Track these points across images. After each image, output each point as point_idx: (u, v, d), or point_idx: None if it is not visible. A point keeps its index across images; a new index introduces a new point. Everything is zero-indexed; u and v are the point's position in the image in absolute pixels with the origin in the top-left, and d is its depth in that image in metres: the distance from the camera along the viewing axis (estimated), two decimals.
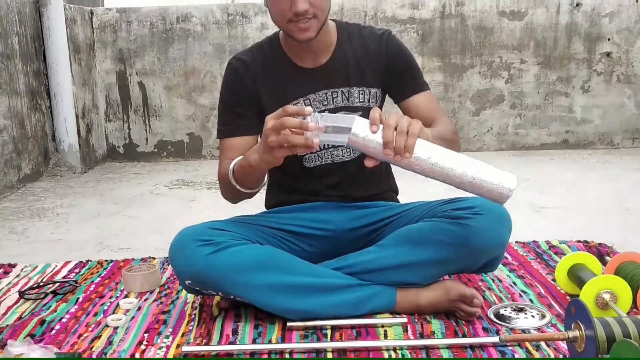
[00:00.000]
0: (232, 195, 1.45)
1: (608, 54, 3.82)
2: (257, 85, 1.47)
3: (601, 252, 1.78)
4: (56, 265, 1.87)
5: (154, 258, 1.91)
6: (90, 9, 3.87)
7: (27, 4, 3.27)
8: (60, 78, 3.41)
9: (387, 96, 1.56)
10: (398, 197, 1.65)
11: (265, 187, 1.48)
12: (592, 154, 3.75)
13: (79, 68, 3.66)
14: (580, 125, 3.92)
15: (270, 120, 1.21)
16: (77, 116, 3.56)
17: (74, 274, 1.79)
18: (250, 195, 1.44)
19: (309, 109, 1.18)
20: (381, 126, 1.18)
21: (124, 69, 3.89)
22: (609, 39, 3.80)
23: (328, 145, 1.48)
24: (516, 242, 1.92)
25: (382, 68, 1.49)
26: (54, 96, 3.43)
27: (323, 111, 1.47)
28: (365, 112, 1.49)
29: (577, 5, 3.78)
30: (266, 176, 1.40)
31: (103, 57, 3.88)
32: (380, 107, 1.55)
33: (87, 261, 1.90)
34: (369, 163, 1.20)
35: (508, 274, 1.66)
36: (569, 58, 3.84)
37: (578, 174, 3.19)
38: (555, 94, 3.89)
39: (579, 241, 1.91)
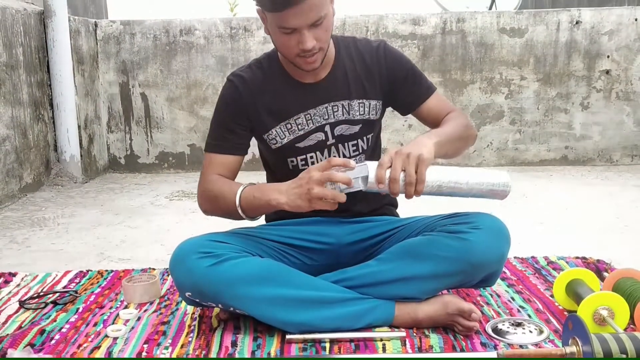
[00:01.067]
0: (225, 215, 1.46)
1: (607, 72, 3.85)
2: (256, 101, 1.47)
3: (599, 268, 1.78)
4: (56, 275, 1.88)
5: (154, 269, 1.91)
6: (95, 21, 3.90)
7: (32, 16, 3.30)
8: (64, 89, 3.43)
9: (388, 107, 1.58)
10: (397, 210, 1.66)
11: None
12: (591, 171, 3.76)
13: (82, 79, 3.69)
14: (580, 142, 3.95)
15: (315, 172, 1.26)
16: (79, 127, 3.59)
17: (74, 284, 1.80)
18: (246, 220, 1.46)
19: (353, 162, 1.26)
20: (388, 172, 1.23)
21: (126, 80, 3.92)
22: (608, 57, 3.84)
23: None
24: (515, 257, 1.93)
25: (382, 80, 1.50)
26: (56, 107, 3.45)
27: (324, 125, 1.49)
28: (365, 125, 1.51)
29: (577, 23, 3.81)
30: None
31: (106, 69, 3.91)
32: (380, 119, 1.56)
33: (87, 271, 1.91)
34: (383, 193, 1.32)
35: (506, 289, 1.67)
36: (568, 75, 3.88)
37: (577, 190, 3.21)
38: (555, 111, 3.92)
39: (577, 257, 1.92)
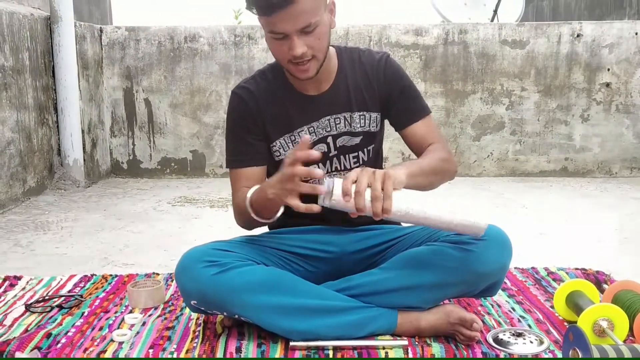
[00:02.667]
0: (249, 224, 1.47)
1: (607, 84, 3.89)
2: (262, 113, 1.49)
3: (599, 280, 1.80)
4: (61, 279, 1.90)
5: (158, 274, 1.93)
6: (100, 27, 3.94)
7: (39, 21, 3.33)
8: (68, 93, 3.46)
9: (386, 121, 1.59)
10: None
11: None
12: (590, 182, 3.79)
13: (87, 84, 3.72)
14: (580, 153, 3.97)
15: (287, 167, 1.22)
16: (82, 131, 3.61)
17: (79, 288, 1.82)
18: (267, 224, 1.47)
19: (319, 171, 1.21)
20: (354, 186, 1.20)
21: (130, 86, 3.95)
22: (608, 70, 3.87)
23: (332, 169, 1.52)
24: (515, 267, 1.95)
25: (381, 92, 1.51)
26: (61, 111, 3.47)
27: (327, 137, 1.51)
28: (365, 137, 1.53)
29: (578, 36, 3.85)
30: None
31: (110, 74, 3.94)
32: (381, 131, 1.58)
33: (92, 275, 1.93)
34: (353, 216, 1.24)
35: (507, 299, 1.69)
36: (569, 87, 3.91)
37: (576, 201, 3.23)
38: (555, 122, 3.95)
39: (577, 268, 1.94)
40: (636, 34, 3.83)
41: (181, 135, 3.99)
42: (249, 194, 1.39)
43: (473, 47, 3.88)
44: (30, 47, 3.23)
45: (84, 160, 3.61)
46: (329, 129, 1.50)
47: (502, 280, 1.46)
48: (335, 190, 1.22)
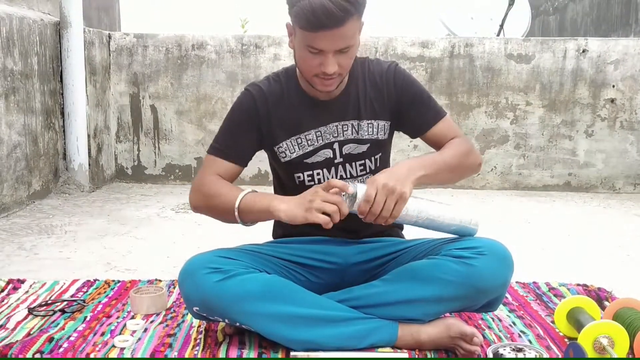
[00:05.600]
0: (216, 214, 1.48)
1: (612, 101, 3.90)
2: (270, 114, 1.51)
3: (600, 296, 1.80)
4: (64, 283, 1.91)
5: (160, 280, 1.94)
6: (109, 33, 3.97)
7: (49, 26, 3.36)
8: (75, 98, 3.49)
9: (398, 131, 1.60)
10: (403, 232, 1.68)
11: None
12: (593, 198, 3.79)
13: (94, 89, 3.75)
14: (583, 169, 3.98)
15: (319, 188, 1.33)
16: (88, 136, 3.63)
17: (81, 293, 1.83)
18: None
19: (352, 188, 1.32)
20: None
21: (137, 92, 3.98)
22: (613, 86, 3.88)
23: (337, 176, 1.53)
24: (517, 282, 1.95)
25: (390, 101, 1.53)
26: (67, 115, 3.50)
27: (333, 143, 1.52)
28: (373, 145, 1.54)
29: (584, 51, 3.86)
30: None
31: (118, 80, 3.97)
32: (390, 140, 1.59)
33: (95, 280, 1.94)
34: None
35: (508, 314, 1.69)
36: (573, 102, 3.92)
37: (579, 216, 3.23)
38: (559, 137, 3.96)
39: (578, 284, 1.94)
40: None
41: (186, 142, 4.01)
42: (240, 197, 1.40)
43: (479, 60, 3.90)
44: (39, 52, 3.26)
45: (89, 164, 3.63)
46: (336, 135, 1.51)
47: (503, 296, 1.47)
48: (356, 205, 1.33)
